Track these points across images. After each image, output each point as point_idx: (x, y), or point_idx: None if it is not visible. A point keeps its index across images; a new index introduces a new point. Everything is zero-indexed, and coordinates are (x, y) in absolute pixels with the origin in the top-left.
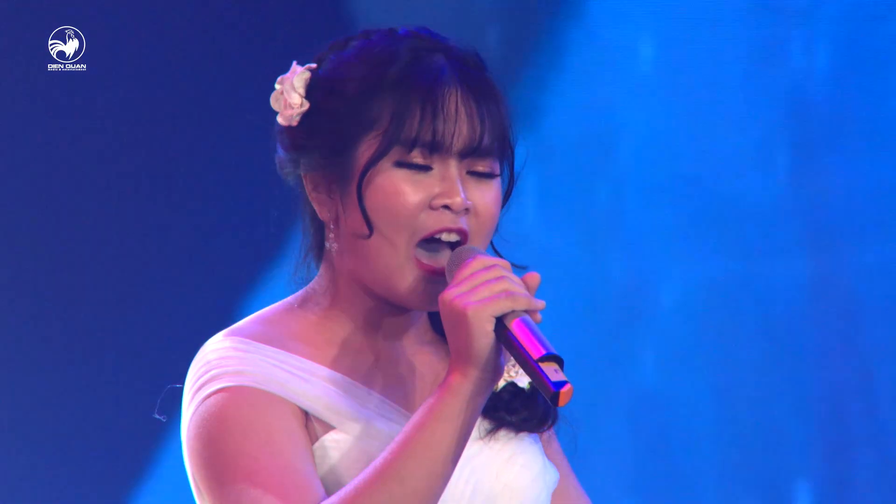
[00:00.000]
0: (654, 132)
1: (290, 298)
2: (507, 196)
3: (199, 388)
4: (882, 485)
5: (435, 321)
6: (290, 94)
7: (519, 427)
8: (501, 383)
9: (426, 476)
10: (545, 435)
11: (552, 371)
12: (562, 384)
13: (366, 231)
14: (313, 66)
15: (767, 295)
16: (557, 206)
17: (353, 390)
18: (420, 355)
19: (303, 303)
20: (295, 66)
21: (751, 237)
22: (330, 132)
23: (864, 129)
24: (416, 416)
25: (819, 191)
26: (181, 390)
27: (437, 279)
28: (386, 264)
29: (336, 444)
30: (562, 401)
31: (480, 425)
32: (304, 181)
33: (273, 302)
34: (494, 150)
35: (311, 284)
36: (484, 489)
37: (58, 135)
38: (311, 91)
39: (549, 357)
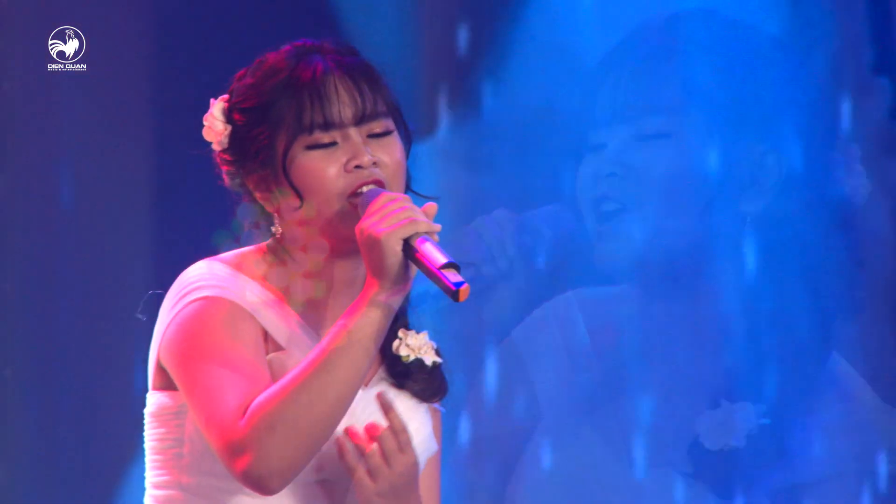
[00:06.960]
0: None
1: (251, 248)
2: (408, 146)
3: (181, 298)
4: None
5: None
6: (214, 122)
7: (418, 395)
8: (412, 357)
9: (350, 366)
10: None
11: (452, 274)
12: (461, 283)
13: (299, 203)
14: (226, 96)
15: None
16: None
17: (303, 327)
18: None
19: (265, 254)
20: (212, 101)
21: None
22: (252, 141)
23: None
24: (339, 320)
25: None
26: (161, 296)
27: None
28: (330, 218)
29: (278, 360)
30: (461, 296)
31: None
32: (249, 186)
33: None
34: (380, 113)
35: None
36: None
37: (58, 135)
38: (228, 115)
39: (449, 265)
